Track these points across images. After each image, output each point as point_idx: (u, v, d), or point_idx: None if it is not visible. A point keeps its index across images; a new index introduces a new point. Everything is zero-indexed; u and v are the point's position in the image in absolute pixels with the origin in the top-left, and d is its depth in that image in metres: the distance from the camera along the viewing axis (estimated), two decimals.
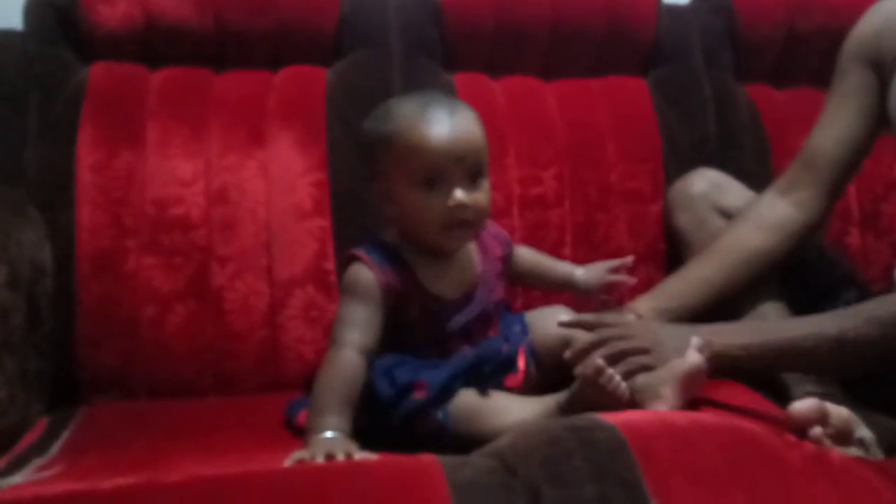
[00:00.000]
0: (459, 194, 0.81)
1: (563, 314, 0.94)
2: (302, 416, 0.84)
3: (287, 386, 1.04)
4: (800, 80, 1.32)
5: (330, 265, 1.10)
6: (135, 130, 1.08)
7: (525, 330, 0.93)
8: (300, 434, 0.83)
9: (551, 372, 0.91)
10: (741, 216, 1.02)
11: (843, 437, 0.78)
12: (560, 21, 1.22)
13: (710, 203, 1.11)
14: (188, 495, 0.56)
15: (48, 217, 1.03)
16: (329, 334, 0.97)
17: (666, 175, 1.21)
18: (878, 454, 0.79)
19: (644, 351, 0.85)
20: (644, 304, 0.97)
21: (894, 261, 1.07)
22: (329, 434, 0.74)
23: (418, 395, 0.79)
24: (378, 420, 0.81)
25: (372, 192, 0.88)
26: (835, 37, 1.04)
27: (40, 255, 0.99)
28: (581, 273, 1.00)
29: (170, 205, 1.07)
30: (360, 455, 0.71)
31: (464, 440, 0.77)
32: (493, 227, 0.96)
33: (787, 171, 1.03)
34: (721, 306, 0.98)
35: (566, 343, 0.88)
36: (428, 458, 0.65)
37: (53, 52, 1.10)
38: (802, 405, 0.76)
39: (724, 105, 1.25)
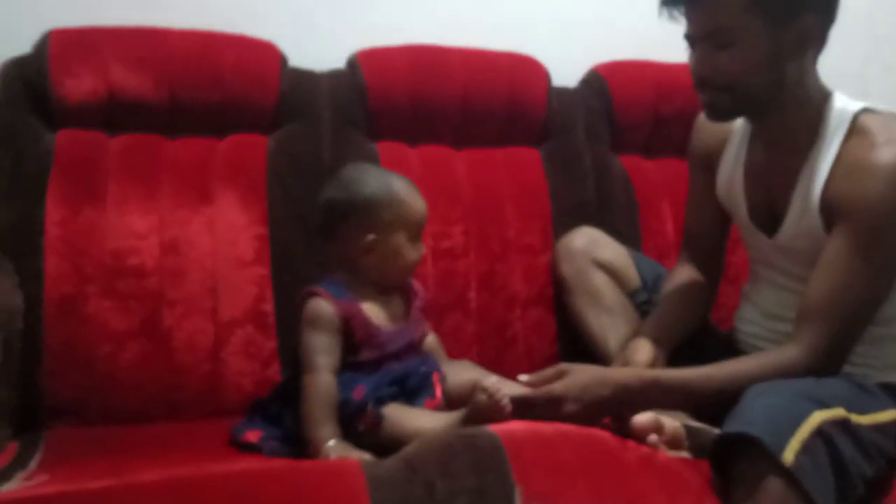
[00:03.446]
0: (423, 247, 1.14)
1: (470, 369, 1.16)
2: (248, 435, 1.02)
3: (228, 413, 1.20)
4: (666, 151, 1.58)
5: (268, 307, 1.28)
6: (96, 190, 1.24)
7: (436, 363, 1.14)
8: (245, 450, 1.02)
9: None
10: (670, 280, 1.27)
11: (675, 443, 1.01)
12: (467, 101, 1.44)
13: (589, 256, 1.34)
14: (163, 490, 0.73)
15: (18, 266, 1.17)
16: (265, 365, 1.22)
17: (554, 232, 1.43)
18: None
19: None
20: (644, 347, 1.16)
21: (737, 306, 1.32)
22: (332, 443, 0.96)
23: (358, 398, 1.00)
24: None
25: (358, 243, 1.09)
26: (692, 116, 1.28)
27: (14, 300, 1.12)
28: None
29: (126, 255, 1.22)
30: (358, 454, 0.93)
31: (394, 440, 0.96)
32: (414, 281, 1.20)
33: (682, 249, 1.31)
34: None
35: (474, 387, 1.05)
36: (352, 462, 0.84)
37: (24, 121, 1.24)
38: (642, 418, 0.98)
39: (602, 173, 1.50)
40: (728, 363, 1.04)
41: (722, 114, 1.10)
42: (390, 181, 1.12)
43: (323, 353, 1.03)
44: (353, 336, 1.06)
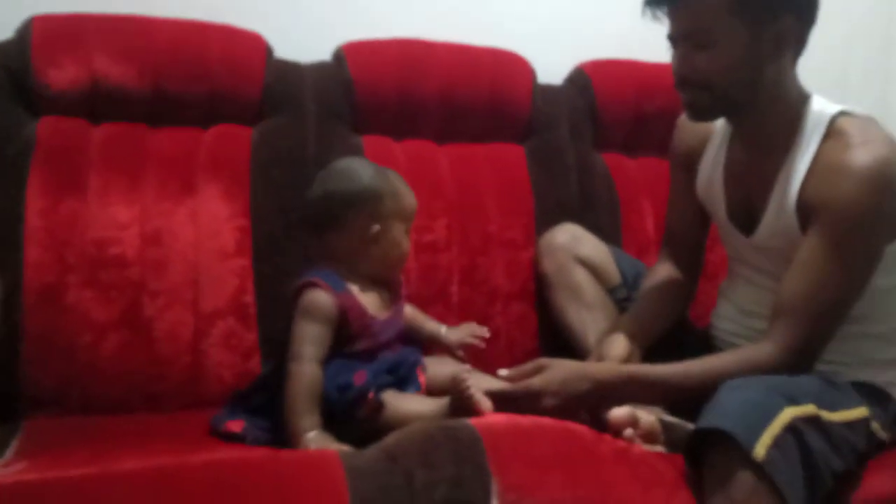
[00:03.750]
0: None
1: (450, 364, 1.17)
2: (230, 425, 1.02)
3: (208, 404, 1.19)
4: (647, 150, 1.60)
5: (249, 299, 1.28)
6: (79, 179, 1.23)
7: (419, 354, 1.16)
8: (226, 439, 1.02)
9: None
10: (650, 276, 1.29)
11: (650, 437, 1.03)
12: (452, 96, 1.45)
13: (570, 252, 1.36)
14: (143, 478, 0.73)
15: None
16: (246, 357, 1.22)
17: (536, 227, 1.44)
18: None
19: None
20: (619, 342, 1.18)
21: (715, 303, 1.34)
22: (312, 434, 0.96)
23: (359, 383, 1.01)
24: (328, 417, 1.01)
25: (362, 233, 1.11)
26: (674, 116, 1.30)
27: None
28: (445, 332, 1.24)
29: (108, 245, 1.22)
30: (337, 446, 0.93)
31: (388, 427, 0.96)
32: None
33: (662, 246, 1.33)
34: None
35: (452, 380, 1.07)
36: (330, 452, 0.84)
37: (5, 107, 1.23)
38: (618, 412, 1.00)
39: (585, 171, 1.51)
40: (704, 359, 1.06)
41: (702, 113, 1.11)
42: (387, 174, 1.15)
43: (313, 343, 1.04)
44: (348, 327, 1.07)
